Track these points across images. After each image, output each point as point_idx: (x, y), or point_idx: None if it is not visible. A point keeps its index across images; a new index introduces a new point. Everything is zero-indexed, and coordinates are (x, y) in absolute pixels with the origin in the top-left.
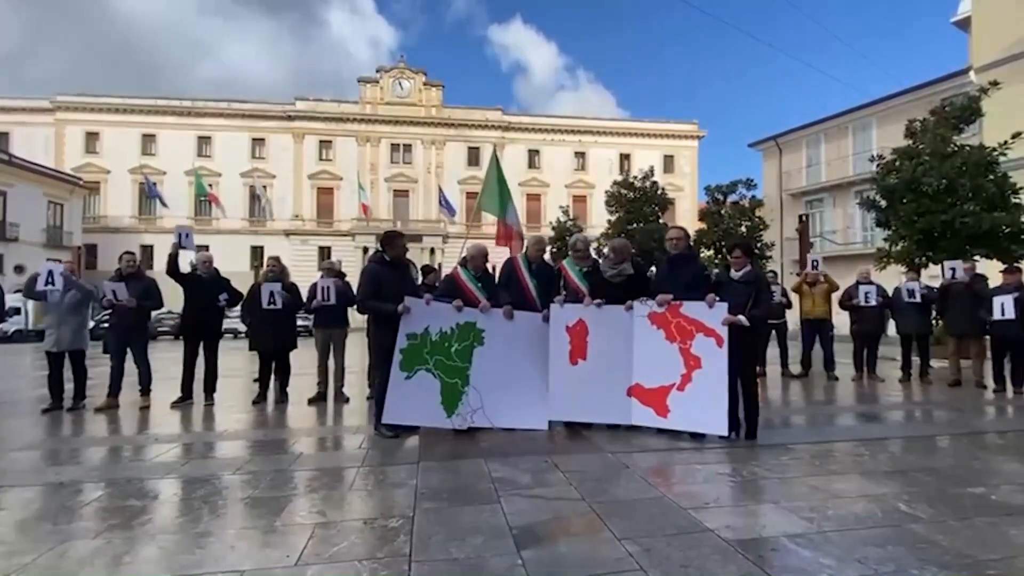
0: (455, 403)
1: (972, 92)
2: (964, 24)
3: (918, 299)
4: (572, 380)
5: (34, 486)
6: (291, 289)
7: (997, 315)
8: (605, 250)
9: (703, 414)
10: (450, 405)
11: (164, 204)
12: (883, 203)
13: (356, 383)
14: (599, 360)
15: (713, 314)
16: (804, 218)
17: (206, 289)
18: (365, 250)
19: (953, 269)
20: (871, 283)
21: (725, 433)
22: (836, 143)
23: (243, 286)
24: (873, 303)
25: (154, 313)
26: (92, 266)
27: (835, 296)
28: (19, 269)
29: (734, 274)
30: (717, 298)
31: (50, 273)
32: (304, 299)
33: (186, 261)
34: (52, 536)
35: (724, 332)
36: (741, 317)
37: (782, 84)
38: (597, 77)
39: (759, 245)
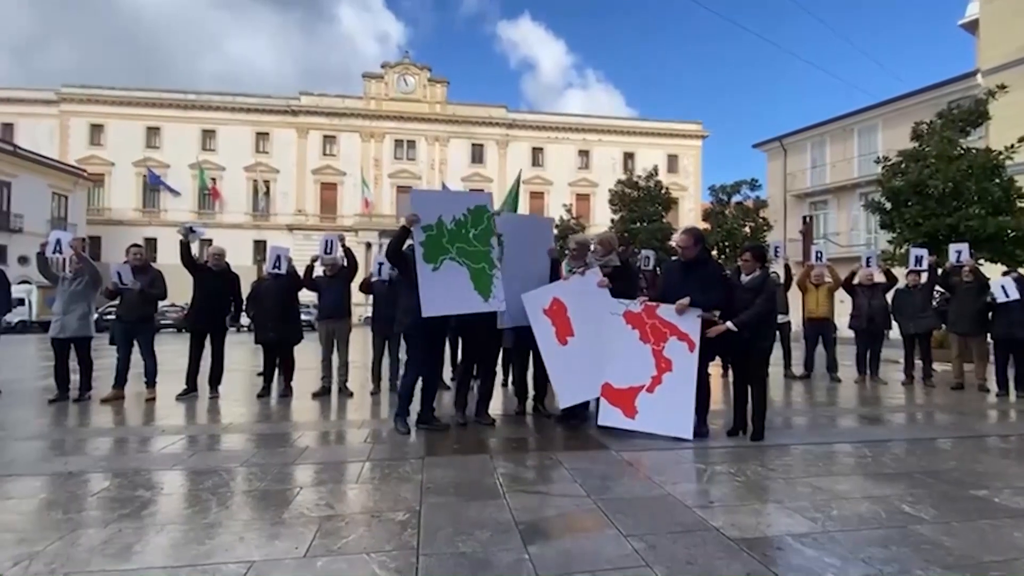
0: (488, 287)
1: (979, 95)
2: (971, 27)
3: (923, 275)
4: (569, 359)
5: (43, 475)
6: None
7: (1001, 297)
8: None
9: (670, 417)
10: (483, 289)
11: (172, 192)
12: (888, 206)
13: (360, 378)
14: (588, 331)
15: (686, 318)
16: (808, 219)
17: (216, 282)
18: (368, 246)
19: (959, 252)
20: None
21: (690, 437)
22: (841, 145)
23: (247, 280)
24: (873, 267)
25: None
26: (96, 258)
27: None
28: (23, 260)
29: (743, 279)
30: (718, 318)
31: (58, 241)
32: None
33: (194, 244)
34: (63, 524)
35: (696, 337)
36: (729, 324)
37: (788, 85)
38: (606, 76)
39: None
